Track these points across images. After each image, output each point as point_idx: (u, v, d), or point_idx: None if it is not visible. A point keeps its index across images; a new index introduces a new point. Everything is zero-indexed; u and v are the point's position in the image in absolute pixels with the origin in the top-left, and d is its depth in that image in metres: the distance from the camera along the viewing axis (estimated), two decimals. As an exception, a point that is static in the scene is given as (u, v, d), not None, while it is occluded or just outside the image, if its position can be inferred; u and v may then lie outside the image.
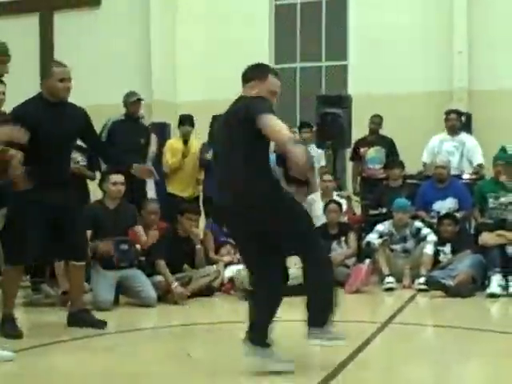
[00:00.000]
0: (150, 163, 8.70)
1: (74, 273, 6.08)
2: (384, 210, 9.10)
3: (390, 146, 10.18)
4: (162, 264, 7.34)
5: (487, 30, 11.28)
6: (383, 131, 10.29)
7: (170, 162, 9.21)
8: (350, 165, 11.00)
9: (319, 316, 4.55)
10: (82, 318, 6.06)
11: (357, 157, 10.39)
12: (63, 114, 5.79)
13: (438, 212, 8.93)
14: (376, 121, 10.27)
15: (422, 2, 11.68)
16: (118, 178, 7.22)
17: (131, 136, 8.40)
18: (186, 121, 9.40)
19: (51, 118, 5.68)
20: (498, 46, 11.20)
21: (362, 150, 10.26)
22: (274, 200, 4.43)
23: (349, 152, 10.80)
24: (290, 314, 6.85)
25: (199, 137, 9.72)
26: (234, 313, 7.14)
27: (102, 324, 6.05)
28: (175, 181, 9.31)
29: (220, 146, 4.65)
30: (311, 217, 4.79)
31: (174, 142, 9.43)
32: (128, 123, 8.62)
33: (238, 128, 4.44)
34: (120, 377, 4.63)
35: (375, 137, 10.31)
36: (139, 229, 7.42)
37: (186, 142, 9.25)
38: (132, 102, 8.65)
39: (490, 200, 8.77)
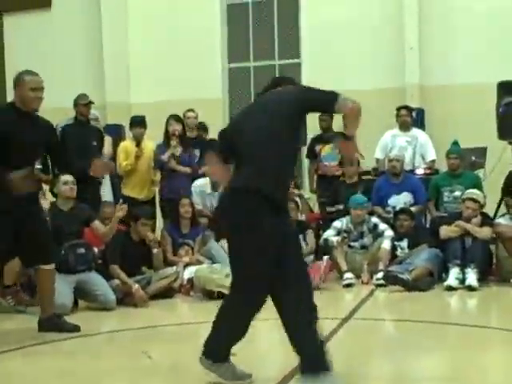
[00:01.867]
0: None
1: (43, 278, 5.98)
2: (341, 207, 9.15)
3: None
4: (115, 268, 7.28)
5: (438, 25, 11.38)
6: (336, 129, 10.33)
7: (123, 164, 9.14)
8: (305, 163, 11.04)
9: None
10: (55, 323, 6.00)
11: (312, 155, 10.42)
12: (34, 125, 5.73)
13: (394, 207, 9.01)
14: (324, 118, 10.27)
15: (372, -1, 11.76)
16: (69, 177, 7.15)
17: (83, 139, 8.32)
18: (138, 122, 9.33)
19: (23, 127, 5.61)
20: (449, 42, 11.31)
21: (317, 147, 10.30)
22: None
23: (304, 150, 10.85)
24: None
25: (153, 138, 9.66)
26: (195, 313, 7.14)
27: (75, 328, 6.00)
28: (130, 183, 9.25)
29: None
30: None
31: (127, 144, 9.36)
32: (78, 126, 8.54)
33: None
34: (79, 381, 4.58)
35: (330, 134, 10.35)
36: (96, 224, 7.31)
37: (138, 143, 9.18)
38: (82, 104, 8.58)
39: (445, 194, 8.91)
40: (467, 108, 10.89)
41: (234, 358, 4.39)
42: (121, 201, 7.83)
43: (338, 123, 10.24)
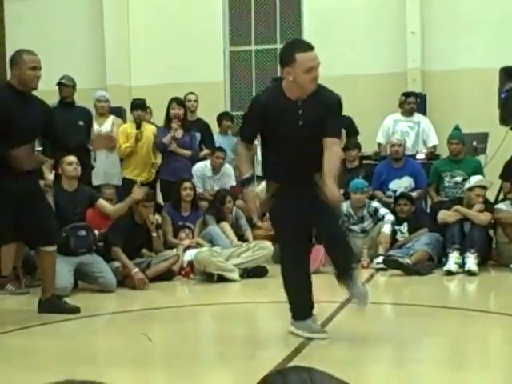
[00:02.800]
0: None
1: (45, 259, 5.99)
2: (341, 191, 9.13)
3: (348, 124, 10.22)
4: (117, 251, 7.29)
5: (440, 10, 11.35)
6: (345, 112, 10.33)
7: (123, 146, 9.14)
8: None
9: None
10: (55, 305, 6.02)
11: None
12: (32, 104, 5.73)
13: (395, 191, 9.01)
14: None
15: (375, -16, 11.70)
16: (73, 158, 7.18)
17: (69, 120, 8.32)
18: (138, 105, 9.33)
19: (20, 106, 5.60)
20: (451, 27, 11.28)
21: None
22: None
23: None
24: (250, 296, 6.92)
25: (154, 120, 9.66)
26: (195, 296, 7.16)
27: (75, 310, 6.01)
28: (130, 165, 9.24)
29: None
30: None
31: (127, 127, 9.34)
32: (63, 108, 8.54)
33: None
34: (79, 362, 4.60)
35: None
36: (101, 202, 7.32)
37: (138, 126, 9.17)
38: (64, 85, 8.58)
39: (446, 179, 8.90)
40: (469, 93, 10.89)
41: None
42: (138, 181, 7.82)
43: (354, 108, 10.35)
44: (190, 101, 9.76)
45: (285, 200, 4.74)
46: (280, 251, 5.08)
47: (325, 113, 4.57)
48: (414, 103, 9.84)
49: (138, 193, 7.21)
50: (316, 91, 4.64)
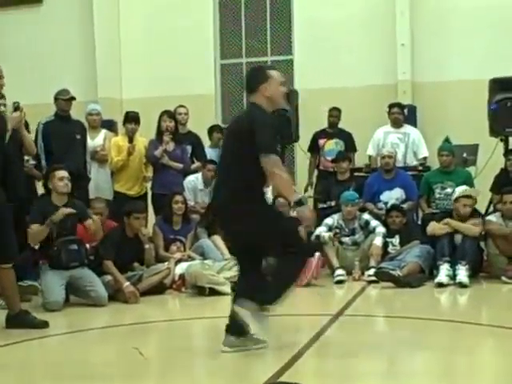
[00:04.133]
0: (89, 157, 8.70)
1: (3, 276, 5.93)
2: (333, 203, 9.17)
3: (348, 140, 10.28)
4: (109, 264, 7.28)
5: (429, 22, 11.39)
6: (342, 125, 10.42)
7: (115, 159, 9.12)
8: (297, 159, 11.06)
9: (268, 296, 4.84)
10: (22, 320, 5.98)
11: (315, 149, 10.46)
12: None
13: (386, 203, 9.03)
14: (334, 114, 10.39)
15: (365, -4, 11.75)
16: (64, 173, 7.18)
17: (66, 134, 8.31)
18: (133, 118, 9.33)
19: None
20: (440, 39, 11.32)
21: (320, 141, 10.35)
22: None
23: (296, 146, 10.88)
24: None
25: (145, 134, 9.66)
26: (187, 309, 7.14)
27: (43, 324, 5.98)
28: (121, 179, 9.22)
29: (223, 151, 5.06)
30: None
31: (119, 140, 9.32)
32: (60, 121, 8.53)
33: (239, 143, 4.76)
34: (70, 377, 4.59)
35: (335, 130, 10.41)
36: (89, 223, 7.31)
37: (131, 139, 9.16)
38: (63, 99, 8.58)
39: (437, 190, 8.93)
40: (459, 105, 10.93)
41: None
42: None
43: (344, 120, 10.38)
44: (180, 114, 9.76)
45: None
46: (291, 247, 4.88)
47: None
48: (398, 113, 9.89)
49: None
50: None
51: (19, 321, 5.97)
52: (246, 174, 4.71)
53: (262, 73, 4.90)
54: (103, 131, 9.28)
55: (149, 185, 9.44)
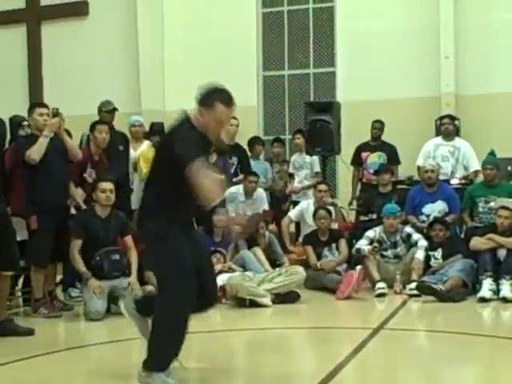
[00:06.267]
0: (132, 168, 8.80)
1: (2, 283, 6.10)
2: (374, 216, 9.12)
3: (391, 153, 10.23)
4: (150, 275, 7.32)
5: (473, 34, 11.31)
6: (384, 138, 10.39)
7: (144, 171, 9.15)
8: (339, 171, 11.03)
9: (155, 358, 4.45)
10: (8, 328, 6.11)
11: (358, 162, 10.44)
12: None
13: (428, 215, 8.94)
14: (377, 126, 10.36)
15: (408, 8, 11.68)
16: (107, 185, 7.28)
17: (110, 145, 8.40)
18: (158, 131, 9.35)
19: None
20: (484, 50, 11.23)
21: (363, 154, 10.32)
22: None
23: (337, 158, 10.86)
24: (282, 322, 6.90)
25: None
26: (227, 321, 7.15)
27: (28, 332, 6.11)
28: None
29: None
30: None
31: (147, 152, 9.33)
32: None
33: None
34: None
35: (378, 142, 10.37)
36: (127, 240, 7.40)
37: None
38: (106, 111, 8.68)
39: (480, 204, 8.82)
40: (503, 117, 10.82)
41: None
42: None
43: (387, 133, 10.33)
44: (232, 125, 9.81)
45: None
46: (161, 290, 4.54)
47: None
48: (448, 124, 9.80)
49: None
50: None
51: (4, 328, 6.10)
52: (160, 188, 4.54)
53: (211, 99, 4.57)
54: (146, 142, 9.34)
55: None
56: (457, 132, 10.14)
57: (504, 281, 7.56)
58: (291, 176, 10.37)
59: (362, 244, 8.48)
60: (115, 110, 8.77)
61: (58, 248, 7.09)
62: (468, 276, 7.83)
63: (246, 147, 10.30)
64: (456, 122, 10.09)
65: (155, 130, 9.46)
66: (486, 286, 7.56)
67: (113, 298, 7.11)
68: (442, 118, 10.02)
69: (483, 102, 11.13)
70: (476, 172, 9.61)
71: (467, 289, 7.80)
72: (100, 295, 6.92)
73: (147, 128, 9.83)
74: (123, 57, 12.58)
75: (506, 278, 7.58)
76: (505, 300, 7.44)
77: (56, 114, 7.21)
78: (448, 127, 9.80)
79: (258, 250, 8.38)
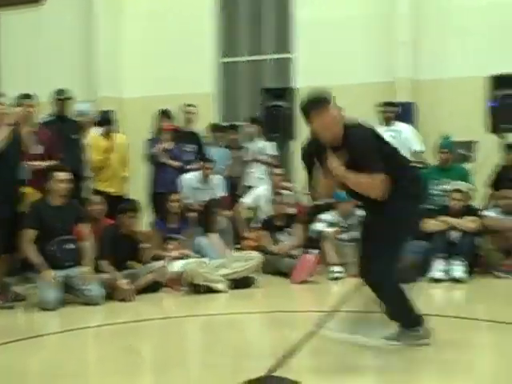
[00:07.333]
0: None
1: None
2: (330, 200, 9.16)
3: None
4: (104, 264, 7.32)
5: (429, 20, 11.37)
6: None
7: (94, 159, 9.14)
8: (295, 156, 11.05)
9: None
10: None
11: None
12: None
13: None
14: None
15: (364, -7, 11.75)
16: (65, 175, 7.23)
17: (64, 134, 8.36)
18: (105, 120, 9.33)
19: None
20: (440, 36, 11.29)
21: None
22: None
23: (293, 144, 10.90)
24: (238, 307, 6.93)
25: (144, 133, 9.68)
26: (182, 307, 7.16)
27: None
28: (102, 177, 9.22)
29: None
30: None
31: (98, 139, 9.29)
32: (57, 121, 8.61)
33: None
34: (64, 376, 4.61)
35: None
36: (82, 227, 7.37)
37: (109, 138, 9.17)
38: (58, 99, 8.63)
39: (433, 187, 8.91)
40: (457, 102, 10.88)
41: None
42: None
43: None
44: (189, 113, 9.81)
45: None
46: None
47: None
48: (390, 112, 9.85)
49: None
50: None
51: None
52: None
53: None
54: (93, 130, 9.34)
55: (143, 184, 9.43)
56: (407, 116, 10.21)
57: (456, 261, 7.68)
58: (246, 163, 10.42)
59: (321, 226, 8.53)
60: (69, 98, 8.72)
61: (10, 238, 7.03)
62: (420, 257, 7.93)
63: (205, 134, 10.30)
64: (398, 108, 10.13)
65: (103, 118, 9.41)
66: (438, 267, 7.68)
67: (67, 287, 7.10)
68: (383, 104, 10.05)
69: (439, 87, 11.21)
70: (418, 152, 9.67)
71: (419, 270, 7.90)
72: (54, 285, 6.89)
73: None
74: (79, 44, 12.47)
75: (458, 258, 7.69)
76: (457, 280, 7.56)
77: (21, 103, 7.13)
78: (389, 115, 9.83)
79: (214, 237, 8.40)
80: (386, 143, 4.89)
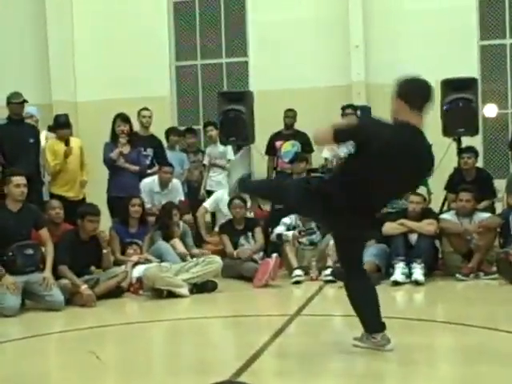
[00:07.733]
0: (42, 160, 8.78)
1: None
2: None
3: (304, 141, 10.31)
4: (63, 269, 7.23)
5: (382, 24, 11.50)
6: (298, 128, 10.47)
7: (52, 163, 9.04)
8: (253, 160, 11.08)
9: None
10: None
11: (272, 151, 10.50)
12: None
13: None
14: (290, 115, 10.46)
15: (317, -2, 11.84)
16: (21, 179, 7.12)
17: (19, 137, 8.26)
18: (62, 124, 9.21)
19: None
20: (392, 40, 11.44)
21: (277, 143, 10.39)
22: None
23: (252, 148, 10.91)
24: (200, 312, 6.92)
25: (100, 137, 9.60)
26: (144, 312, 7.12)
27: None
28: (59, 182, 9.13)
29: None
30: None
31: (54, 144, 9.18)
32: (13, 125, 8.50)
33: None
34: (27, 382, 4.55)
35: (291, 131, 10.47)
36: (43, 232, 7.28)
37: (67, 142, 9.08)
38: (15, 103, 8.51)
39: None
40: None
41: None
42: None
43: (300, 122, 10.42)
44: (144, 116, 9.76)
45: None
46: None
47: None
48: (351, 114, 9.95)
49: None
50: None
51: None
52: None
53: None
54: (44, 133, 9.30)
55: (103, 188, 9.35)
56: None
57: (415, 264, 7.77)
58: (204, 167, 10.40)
59: (281, 230, 8.55)
60: (25, 101, 8.60)
61: None
62: (381, 261, 8.01)
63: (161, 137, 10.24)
64: (358, 112, 10.24)
65: (59, 122, 9.30)
66: (399, 270, 7.76)
67: (27, 293, 7.00)
68: (344, 107, 10.16)
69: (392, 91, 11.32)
70: None
71: (381, 273, 7.98)
72: (14, 291, 6.78)
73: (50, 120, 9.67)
74: (32, 48, 12.33)
75: (417, 261, 7.78)
76: (416, 283, 7.65)
77: None
78: (351, 117, 9.91)
79: (176, 241, 8.36)
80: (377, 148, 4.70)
